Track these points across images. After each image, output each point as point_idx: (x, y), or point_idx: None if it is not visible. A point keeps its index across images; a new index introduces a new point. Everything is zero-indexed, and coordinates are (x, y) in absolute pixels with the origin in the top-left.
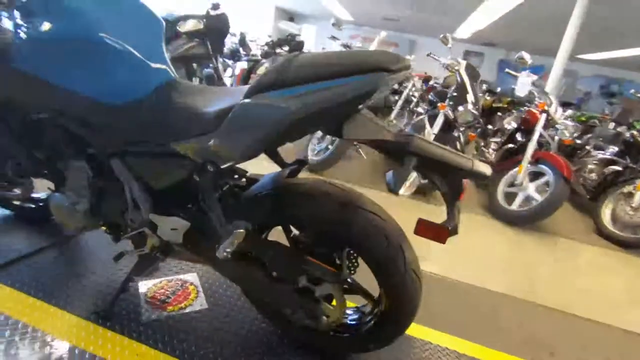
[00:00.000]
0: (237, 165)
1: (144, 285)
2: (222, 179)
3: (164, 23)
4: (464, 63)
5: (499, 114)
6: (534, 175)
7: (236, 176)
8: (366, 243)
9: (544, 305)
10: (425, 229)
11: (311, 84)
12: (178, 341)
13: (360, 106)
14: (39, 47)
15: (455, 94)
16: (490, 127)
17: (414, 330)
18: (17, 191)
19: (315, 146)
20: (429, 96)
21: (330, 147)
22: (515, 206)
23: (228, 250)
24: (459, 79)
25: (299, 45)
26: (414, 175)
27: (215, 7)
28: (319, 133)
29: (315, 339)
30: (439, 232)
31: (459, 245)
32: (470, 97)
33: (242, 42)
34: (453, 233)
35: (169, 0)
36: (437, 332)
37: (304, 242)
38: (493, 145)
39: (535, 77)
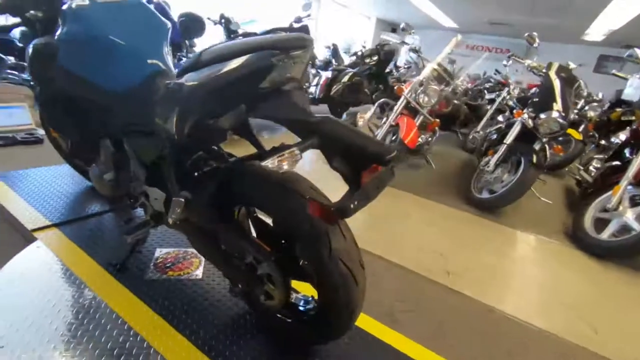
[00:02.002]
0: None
1: (159, 251)
2: (210, 161)
3: (169, 26)
4: (555, 65)
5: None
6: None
7: (230, 160)
8: (290, 226)
9: (601, 355)
10: (314, 209)
11: (214, 64)
12: (163, 300)
13: (262, 83)
14: (68, 46)
15: (536, 99)
16: (603, 142)
17: (416, 351)
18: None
19: None
20: (511, 102)
21: None
22: (605, 235)
23: (173, 217)
24: (547, 83)
25: (388, 55)
26: (294, 152)
27: (298, 20)
28: (378, 138)
29: (266, 317)
30: (327, 213)
31: (515, 269)
32: (557, 104)
33: (335, 53)
34: (341, 214)
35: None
36: None
37: (262, 222)
38: (595, 163)
39: None
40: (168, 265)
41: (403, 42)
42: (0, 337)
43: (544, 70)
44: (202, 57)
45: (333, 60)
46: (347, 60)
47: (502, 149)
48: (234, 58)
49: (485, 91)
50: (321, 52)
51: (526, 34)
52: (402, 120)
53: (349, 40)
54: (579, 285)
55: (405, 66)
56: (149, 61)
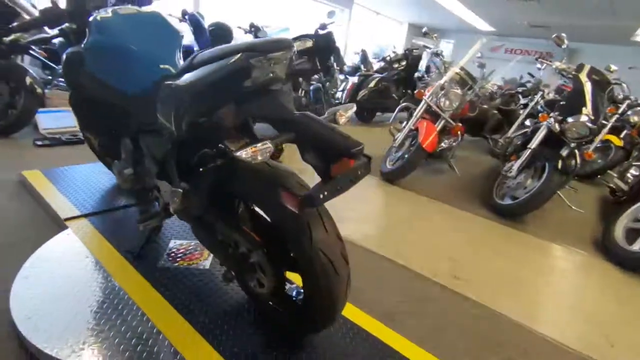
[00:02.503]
0: None
1: (174, 242)
2: (213, 157)
3: (181, 35)
4: (587, 67)
5: None
6: None
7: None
8: (276, 218)
9: None
10: (285, 198)
11: (204, 67)
12: (171, 286)
13: (245, 83)
14: (92, 53)
15: (563, 102)
16: None
17: (411, 351)
18: None
19: (392, 155)
20: (539, 107)
21: (406, 156)
22: (637, 246)
23: (173, 206)
24: (577, 85)
25: (417, 60)
26: (266, 144)
27: (322, 27)
28: (397, 142)
29: (259, 304)
30: (294, 201)
31: (532, 278)
32: (587, 107)
33: (364, 59)
34: (309, 204)
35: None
36: None
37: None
38: (634, 170)
39: None
40: (179, 255)
41: (425, 46)
42: (28, 309)
43: (573, 73)
44: (195, 60)
45: (362, 66)
46: (377, 66)
47: (526, 153)
48: (219, 60)
49: (520, 95)
50: (350, 58)
51: (554, 35)
52: (422, 124)
53: (382, 45)
54: (601, 297)
55: (436, 71)
56: (161, 66)
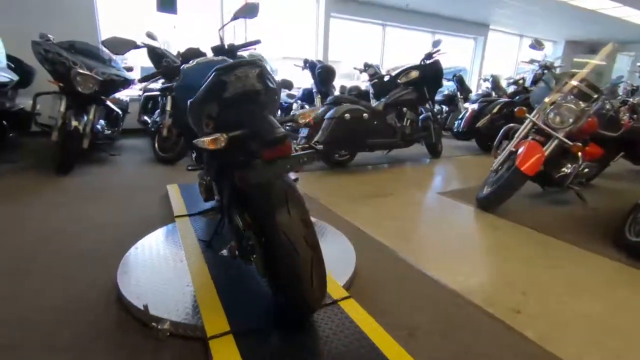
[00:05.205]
0: None
1: None
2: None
3: None
4: None
5: None
6: None
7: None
8: (250, 202)
9: None
10: (235, 177)
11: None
12: (220, 271)
13: (224, 94)
14: (178, 91)
15: None
16: None
17: None
18: None
19: (489, 179)
20: None
21: (504, 177)
22: None
23: (203, 195)
24: None
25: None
26: (218, 135)
27: (428, 56)
28: (495, 165)
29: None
30: (242, 182)
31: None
32: None
33: (495, 85)
34: (244, 181)
35: None
36: None
37: None
38: None
39: None
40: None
41: (532, 60)
42: (127, 268)
43: None
44: (202, 82)
45: (493, 93)
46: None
47: None
48: (208, 79)
49: None
50: (482, 86)
51: None
52: (524, 144)
53: (527, 68)
54: None
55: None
56: None
